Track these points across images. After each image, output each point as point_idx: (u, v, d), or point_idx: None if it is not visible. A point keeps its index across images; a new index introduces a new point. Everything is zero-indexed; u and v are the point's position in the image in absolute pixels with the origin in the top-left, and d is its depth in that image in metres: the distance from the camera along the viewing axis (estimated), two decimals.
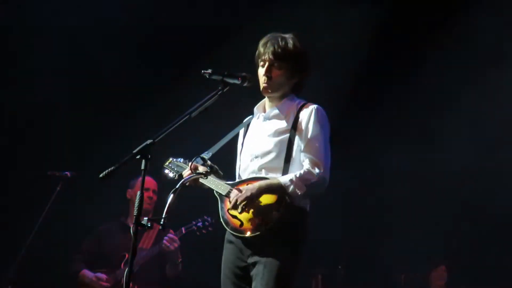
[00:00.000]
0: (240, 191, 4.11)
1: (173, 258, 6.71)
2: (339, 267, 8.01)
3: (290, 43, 4.24)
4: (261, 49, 4.29)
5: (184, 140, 5.50)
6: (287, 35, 4.29)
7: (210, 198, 4.36)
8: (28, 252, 6.32)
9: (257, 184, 4.10)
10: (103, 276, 6.78)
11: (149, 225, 3.72)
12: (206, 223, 6.52)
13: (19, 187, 7.50)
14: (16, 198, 7.45)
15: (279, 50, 4.21)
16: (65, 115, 7.72)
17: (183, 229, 6.61)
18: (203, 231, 6.51)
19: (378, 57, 8.01)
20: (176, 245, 6.60)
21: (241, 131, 4.50)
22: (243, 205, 4.06)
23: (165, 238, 6.61)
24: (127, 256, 6.73)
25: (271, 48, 4.23)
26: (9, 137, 7.59)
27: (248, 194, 4.07)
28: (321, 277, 7.93)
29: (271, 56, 4.23)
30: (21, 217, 7.02)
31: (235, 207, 4.09)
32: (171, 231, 6.70)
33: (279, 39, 4.25)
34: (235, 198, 4.09)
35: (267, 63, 4.25)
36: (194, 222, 6.56)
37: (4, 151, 7.51)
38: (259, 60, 4.31)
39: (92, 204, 7.43)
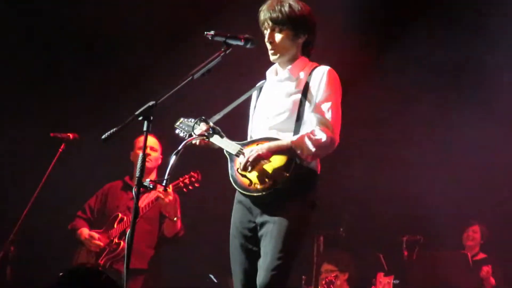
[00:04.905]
0: (249, 151, 4.13)
1: (170, 212, 6.53)
2: (341, 229, 8.03)
3: (286, 5, 4.26)
4: (260, 17, 4.34)
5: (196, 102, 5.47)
6: None
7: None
8: (31, 213, 6.32)
9: (266, 145, 4.14)
10: (96, 235, 6.79)
11: (151, 186, 3.73)
12: (193, 179, 6.43)
13: (22, 147, 7.51)
14: (19, 158, 7.46)
15: (276, 14, 4.25)
16: (71, 76, 7.71)
17: (170, 186, 6.50)
18: (190, 187, 6.43)
19: None
20: (170, 198, 6.45)
21: (254, 95, 4.52)
22: (252, 165, 4.09)
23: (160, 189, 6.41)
24: (120, 215, 6.75)
25: (268, 15, 4.27)
26: (15, 97, 7.58)
27: (257, 155, 4.09)
28: (323, 239, 7.95)
29: (269, 22, 4.28)
30: (23, 178, 7.02)
31: (245, 169, 4.12)
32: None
33: (275, 4, 4.28)
34: (245, 160, 4.11)
35: (268, 30, 4.29)
36: (181, 179, 6.44)
37: (9, 111, 7.50)
38: (262, 28, 4.35)
39: (96, 165, 7.44)
